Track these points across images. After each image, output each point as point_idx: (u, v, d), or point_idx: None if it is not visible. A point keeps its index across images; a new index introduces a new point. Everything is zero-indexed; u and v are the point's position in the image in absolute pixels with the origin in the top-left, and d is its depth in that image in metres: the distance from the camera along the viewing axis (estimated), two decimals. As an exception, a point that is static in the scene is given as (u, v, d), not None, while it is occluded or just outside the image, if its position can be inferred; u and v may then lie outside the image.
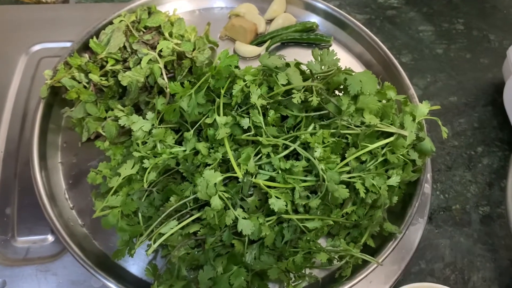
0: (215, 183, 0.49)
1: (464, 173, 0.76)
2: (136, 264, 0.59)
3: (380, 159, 0.53)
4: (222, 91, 0.56)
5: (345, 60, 0.78)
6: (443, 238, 0.71)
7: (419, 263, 0.69)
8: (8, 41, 0.80)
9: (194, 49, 0.67)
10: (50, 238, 0.63)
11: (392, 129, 0.53)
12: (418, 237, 0.65)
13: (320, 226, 0.51)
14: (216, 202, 0.48)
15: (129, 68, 0.63)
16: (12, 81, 0.75)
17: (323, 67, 0.58)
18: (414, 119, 0.56)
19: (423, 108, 0.58)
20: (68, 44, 0.76)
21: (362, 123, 0.54)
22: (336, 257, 0.55)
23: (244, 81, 0.56)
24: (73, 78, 0.63)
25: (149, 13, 0.72)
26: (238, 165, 0.51)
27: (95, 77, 0.62)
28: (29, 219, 0.64)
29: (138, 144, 0.54)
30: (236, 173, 0.51)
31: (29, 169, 0.63)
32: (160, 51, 0.63)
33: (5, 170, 0.67)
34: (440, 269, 0.68)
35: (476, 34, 0.91)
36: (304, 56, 0.66)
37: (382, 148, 0.54)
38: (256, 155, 0.54)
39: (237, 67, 0.62)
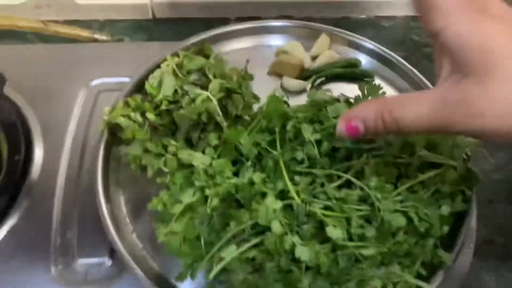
0: (274, 209, 0.52)
1: (506, 206, 0.76)
2: (191, 286, 0.62)
3: (432, 189, 0.55)
4: (277, 129, 0.60)
5: (389, 94, 0.81)
6: (488, 272, 0.71)
7: (465, 296, 0.69)
8: (69, 77, 0.86)
9: (240, 86, 0.72)
10: (108, 261, 0.66)
11: (443, 160, 0.56)
12: (466, 268, 0.66)
13: (375, 253, 0.53)
14: (276, 226, 0.51)
15: (181, 107, 0.67)
16: (73, 112, 0.80)
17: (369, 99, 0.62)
18: (461, 150, 0.59)
19: (470, 140, 0.60)
20: (125, 79, 0.82)
21: (412, 153, 0.57)
22: (390, 283, 0.56)
23: (296, 118, 0.60)
24: (129, 117, 0.67)
25: (199, 52, 0.77)
26: (297, 193, 0.53)
27: (151, 116, 0.66)
28: (88, 243, 0.67)
29: (199, 174, 0.57)
30: (292, 201, 0.54)
31: (88, 195, 0.67)
32: (210, 90, 0.68)
33: (66, 196, 0.71)
34: (486, 303, 0.68)
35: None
36: (347, 90, 0.69)
37: (433, 178, 0.56)
38: (310, 184, 0.57)
39: (286, 102, 0.66)
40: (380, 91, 0.62)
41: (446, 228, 0.58)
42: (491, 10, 0.32)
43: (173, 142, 0.63)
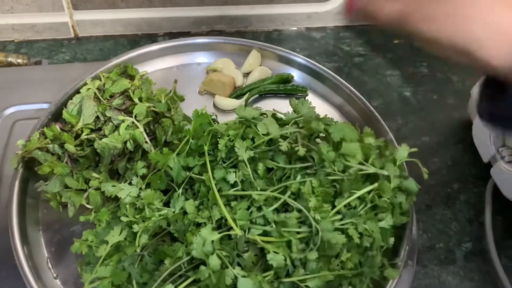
0: (213, 241, 0.49)
1: (444, 211, 0.78)
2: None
3: (369, 204, 0.54)
4: (206, 148, 0.57)
5: (323, 109, 0.80)
6: (431, 278, 0.71)
7: (410, 305, 0.69)
8: (-20, 106, 0.78)
9: (169, 109, 0.68)
10: (32, 311, 0.59)
11: (373, 169, 0.55)
12: (410, 279, 0.66)
13: (322, 284, 0.50)
14: (214, 262, 0.47)
15: (104, 135, 0.62)
16: (-15, 146, 0.73)
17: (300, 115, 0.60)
18: (395, 163, 0.58)
19: (403, 151, 0.60)
20: (44, 106, 0.75)
21: (345, 169, 0.55)
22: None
23: (228, 136, 0.57)
24: (47, 150, 0.61)
25: (123, 73, 0.72)
26: (234, 221, 0.50)
27: (71, 147, 0.60)
28: (7, 292, 0.60)
29: (126, 209, 0.52)
30: (230, 230, 0.51)
31: (6, 238, 0.60)
32: (135, 115, 0.63)
33: (-20, 240, 0.64)
34: (431, 310, 0.68)
35: (439, 76, 0.97)
36: (282, 106, 0.68)
37: (369, 193, 0.55)
38: (247, 208, 0.54)
39: (214, 120, 0.63)
40: (309, 107, 0.61)
41: (392, 240, 0.57)
42: None
43: (95, 174, 0.58)
